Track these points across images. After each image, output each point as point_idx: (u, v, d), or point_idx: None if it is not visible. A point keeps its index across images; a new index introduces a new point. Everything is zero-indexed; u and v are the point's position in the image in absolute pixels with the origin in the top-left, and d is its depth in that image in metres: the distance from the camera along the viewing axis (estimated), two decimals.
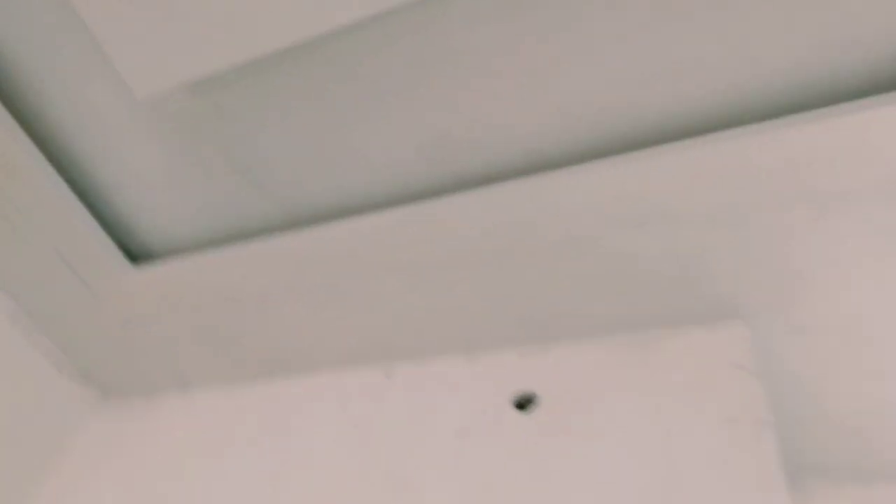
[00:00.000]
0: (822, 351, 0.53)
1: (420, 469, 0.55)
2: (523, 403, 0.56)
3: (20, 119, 0.60)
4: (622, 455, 0.48)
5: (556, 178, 0.49)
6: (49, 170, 0.62)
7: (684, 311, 0.54)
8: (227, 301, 0.66)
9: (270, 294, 0.64)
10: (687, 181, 0.46)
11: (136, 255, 0.68)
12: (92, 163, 0.63)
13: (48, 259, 0.68)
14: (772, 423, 0.46)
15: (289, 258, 0.61)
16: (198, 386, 0.76)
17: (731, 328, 0.52)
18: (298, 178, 0.58)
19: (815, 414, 0.57)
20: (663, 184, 0.47)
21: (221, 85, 0.53)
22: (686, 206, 0.48)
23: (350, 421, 0.63)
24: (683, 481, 0.45)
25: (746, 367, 0.50)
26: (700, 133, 0.46)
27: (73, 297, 0.70)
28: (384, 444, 0.58)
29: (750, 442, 0.45)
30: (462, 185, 0.54)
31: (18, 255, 0.68)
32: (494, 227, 0.53)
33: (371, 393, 0.64)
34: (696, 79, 0.45)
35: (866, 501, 0.58)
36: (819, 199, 0.45)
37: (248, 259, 0.62)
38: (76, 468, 0.74)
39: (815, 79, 0.43)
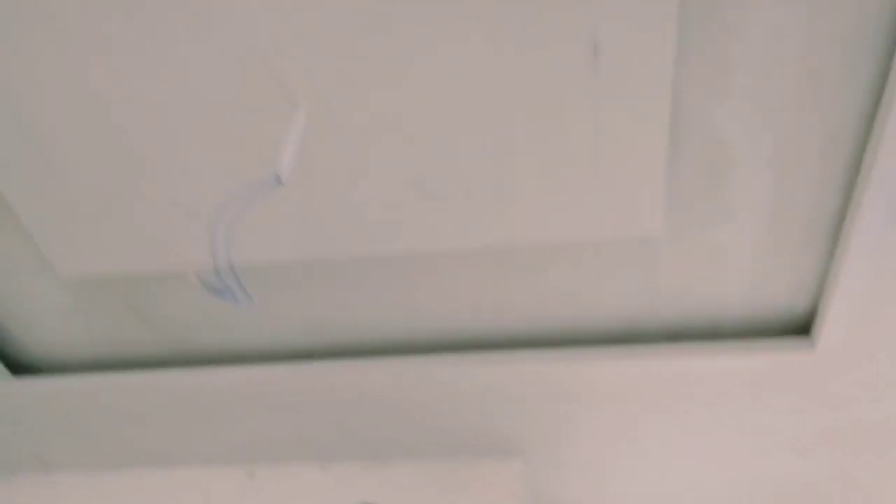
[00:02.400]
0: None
1: None
2: None
3: None
4: None
5: (404, 362, 0.68)
6: None
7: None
8: (100, 416, 0.76)
9: (144, 414, 0.75)
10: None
11: (18, 366, 0.75)
12: None
13: None
14: None
15: (169, 391, 0.72)
16: (60, 469, 0.84)
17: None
18: (190, 325, 0.70)
19: None
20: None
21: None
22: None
23: None
24: None
25: (518, 495, 0.73)
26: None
27: None
28: None
29: None
30: (332, 354, 0.70)
31: None
32: (349, 385, 0.70)
33: (234, 490, 0.78)
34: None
35: None
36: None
37: (126, 386, 0.72)
38: None
39: None
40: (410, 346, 0.69)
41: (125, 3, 0.44)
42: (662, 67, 0.45)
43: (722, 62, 0.48)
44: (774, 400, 0.66)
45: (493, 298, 0.64)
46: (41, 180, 0.54)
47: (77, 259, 0.59)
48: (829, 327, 0.60)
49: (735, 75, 0.48)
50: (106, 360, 0.74)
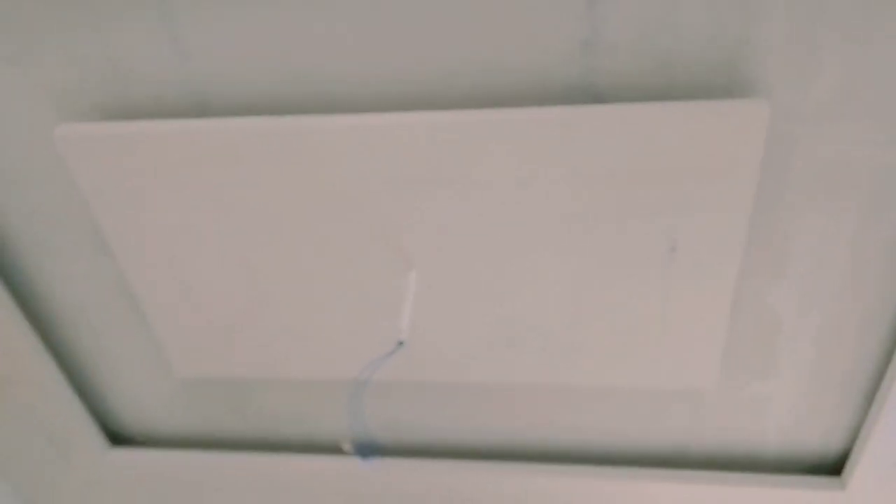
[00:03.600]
0: None
1: None
2: None
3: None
4: None
5: None
6: (53, 368, 0.75)
7: None
8: (184, 489, 0.84)
9: (224, 490, 0.83)
10: None
11: (117, 437, 0.83)
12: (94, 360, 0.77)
13: (36, 434, 0.80)
14: None
15: (251, 471, 0.80)
16: None
17: None
18: (279, 419, 0.78)
19: None
20: None
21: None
22: None
23: None
24: None
25: None
26: None
27: (49, 462, 0.83)
28: None
29: None
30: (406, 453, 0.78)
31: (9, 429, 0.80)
32: (419, 481, 0.77)
33: None
34: None
35: None
36: None
37: (216, 467, 0.80)
38: None
39: None
40: (481, 452, 0.76)
41: (276, 190, 0.52)
42: (731, 259, 0.53)
43: (780, 253, 0.55)
44: None
45: (556, 421, 0.71)
46: (178, 304, 0.62)
47: (194, 365, 0.68)
48: (859, 470, 0.67)
49: (790, 264, 0.56)
50: (195, 439, 0.82)
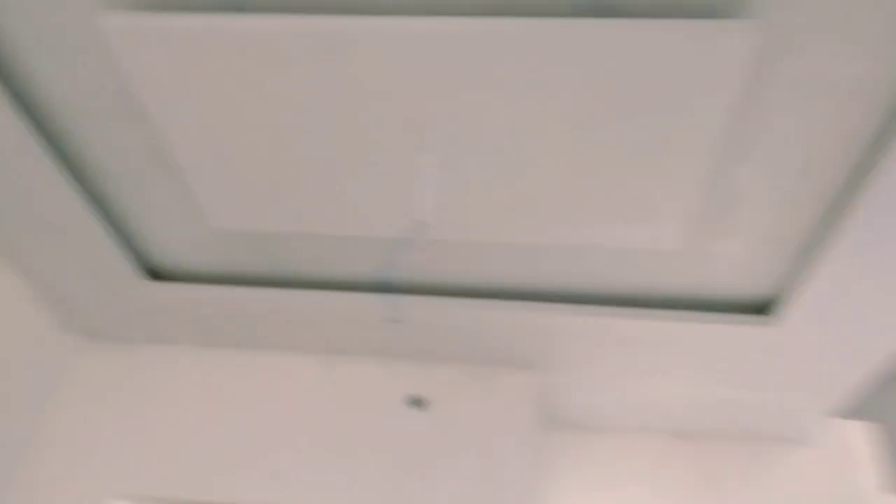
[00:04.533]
0: None
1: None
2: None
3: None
4: None
5: None
6: (97, 218, 0.84)
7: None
8: (217, 316, 0.96)
9: (252, 317, 0.96)
10: None
11: (157, 274, 0.94)
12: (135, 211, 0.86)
13: (84, 273, 0.91)
14: None
15: (273, 303, 0.92)
16: (172, 345, 1.06)
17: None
18: (301, 254, 0.88)
19: None
20: None
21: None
22: None
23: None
24: None
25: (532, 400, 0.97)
26: None
27: (96, 293, 0.95)
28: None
29: None
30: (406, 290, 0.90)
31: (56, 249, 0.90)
32: (420, 312, 0.91)
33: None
34: None
35: None
36: None
37: (244, 300, 0.92)
38: (71, 404, 1.02)
39: None
40: (488, 293, 0.89)
41: (309, 79, 0.58)
42: (707, 150, 0.61)
43: (750, 143, 0.64)
44: (735, 357, 0.89)
45: (549, 269, 0.84)
46: (215, 164, 0.70)
47: (227, 217, 0.77)
48: (785, 311, 0.81)
49: (756, 152, 0.65)
50: (223, 277, 0.93)
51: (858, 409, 1.05)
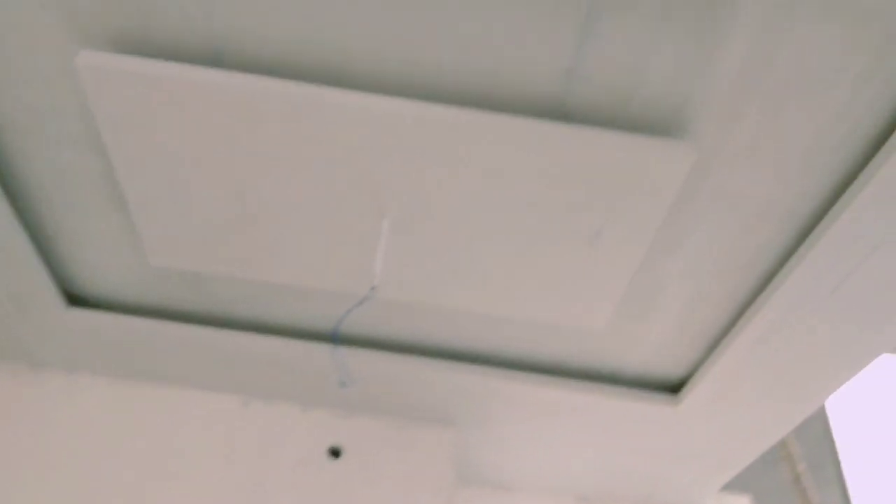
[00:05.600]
0: None
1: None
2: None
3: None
4: None
5: None
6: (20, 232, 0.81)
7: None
8: (132, 346, 0.94)
9: (167, 352, 0.94)
10: None
11: (81, 300, 0.90)
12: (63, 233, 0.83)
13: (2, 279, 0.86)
14: None
15: (193, 341, 0.91)
16: (83, 373, 1.01)
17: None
18: (237, 296, 0.88)
19: None
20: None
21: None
22: None
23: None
24: None
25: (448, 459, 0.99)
26: None
27: (7, 317, 0.90)
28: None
29: None
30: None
31: None
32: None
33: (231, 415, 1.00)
34: None
35: None
36: None
37: (168, 335, 0.90)
38: None
39: None
40: (418, 349, 0.91)
41: (275, 139, 0.60)
42: (640, 247, 0.67)
43: (674, 244, 0.71)
44: (641, 430, 0.95)
45: (479, 332, 0.87)
46: (164, 203, 0.69)
47: (168, 256, 0.76)
48: (692, 393, 0.88)
49: (680, 251, 0.71)
50: (149, 308, 0.91)
51: (741, 483, 1.14)
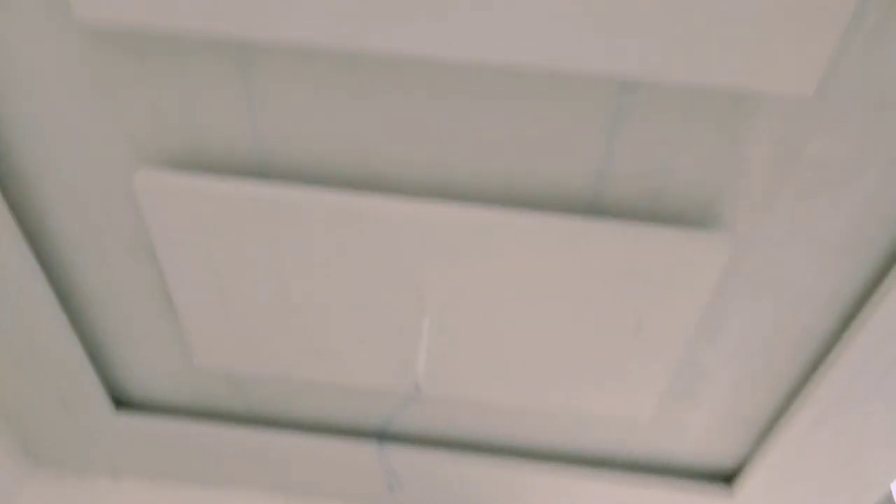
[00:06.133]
0: None
1: None
2: None
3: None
4: None
5: None
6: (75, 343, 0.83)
7: None
8: (177, 447, 0.94)
9: (223, 453, 0.94)
10: None
11: (124, 402, 0.92)
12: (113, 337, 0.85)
13: (49, 396, 0.88)
14: None
15: (252, 451, 0.91)
16: (127, 477, 1.02)
17: None
18: (279, 395, 0.89)
19: None
20: None
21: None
22: None
23: None
24: None
25: None
26: None
27: (58, 422, 0.92)
28: None
29: None
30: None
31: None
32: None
33: None
34: None
35: None
36: None
37: (214, 437, 0.91)
38: None
39: None
40: (465, 445, 0.90)
41: (320, 245, 0.62)
42: (681, 337, 0.67)
43: (716, 330, 0.70)
44: None
45: (514, 425, 0.86)
46: (211, 300, 0.71)
47: (215, 357, 0.77)
48: (747, 483, 0.85)
49: (722, 337, 0.71)
50: (194, 409, 0.92)
51: None
